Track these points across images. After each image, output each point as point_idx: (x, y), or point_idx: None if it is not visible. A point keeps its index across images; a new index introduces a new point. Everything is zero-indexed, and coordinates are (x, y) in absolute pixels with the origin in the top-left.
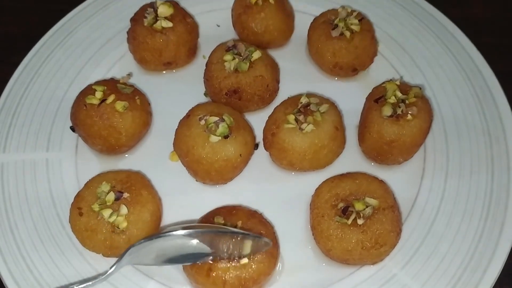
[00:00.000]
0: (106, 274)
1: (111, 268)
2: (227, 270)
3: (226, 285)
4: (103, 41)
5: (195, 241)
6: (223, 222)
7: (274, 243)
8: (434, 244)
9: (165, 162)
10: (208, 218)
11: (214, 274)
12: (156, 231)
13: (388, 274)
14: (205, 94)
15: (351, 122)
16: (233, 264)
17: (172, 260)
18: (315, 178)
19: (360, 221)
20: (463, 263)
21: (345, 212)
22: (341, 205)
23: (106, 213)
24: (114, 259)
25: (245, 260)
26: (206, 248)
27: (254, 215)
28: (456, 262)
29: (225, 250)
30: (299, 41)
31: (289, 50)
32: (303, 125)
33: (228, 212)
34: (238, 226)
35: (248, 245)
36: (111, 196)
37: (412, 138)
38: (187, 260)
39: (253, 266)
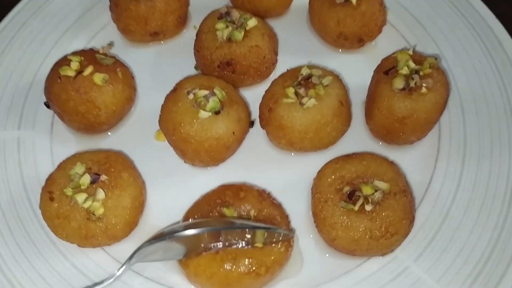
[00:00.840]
0: (115, 277)
1: (119, 270)
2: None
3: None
4: (83, 9)
5: (204, 235)
6: (235, 213)
7: (287, 225)
8: (450, 234)
9: (150, 141)
10: (213, 199)
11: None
12: (138, 218)
13: (399, 267)
14: (196, 68)
15: (358, 98)
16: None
17: (178, 254)
18: (317, 160)
19: (368, 207)
20: (483, 255)
21: (351, 197)
22: (346, 189)
23: (80, 197)
24: (92, 250)
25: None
26: (215, 240)
27: (263, 196)
28: (476, 254)
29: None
30: (300, 10)
31: (289, 19)
32: (304, 100)
33: (235, 195)
34: (251, 216)
35: (260, 236)
36: (86, 179)
37: (426, 114)
38: (194, 252)
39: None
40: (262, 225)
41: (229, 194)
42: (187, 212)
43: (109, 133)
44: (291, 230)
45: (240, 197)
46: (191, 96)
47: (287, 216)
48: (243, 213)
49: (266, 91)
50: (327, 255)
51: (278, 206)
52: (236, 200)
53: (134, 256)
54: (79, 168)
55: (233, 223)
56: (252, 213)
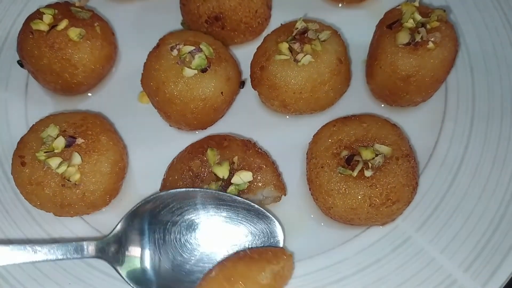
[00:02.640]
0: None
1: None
2: None
3: None
4: None
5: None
6: (218, 156)
7: (275, 174)
8: (456, 201)
9: (133, 104)
10: (196, 147)
11: None
12: (118, 185)
13: (400, 237)
14: (182, 24)
15: (358, 56)
16: None
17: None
18: (313, 123)
19: (368, 173)
20: (492, 225)
21: (349, 162)
22: (344, 153)
23: (54, 162)
24: (70, 219)
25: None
26: None
27: (248, 146)
28: (484, 223)
29: None
30: None
31: None
32: (299, 56)
33: (219, 143)
34: (234, 162)
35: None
36: (60, 142)
37: (433, 72)
38: None
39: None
40: (251, 204)
41: (212, 143)
42: (171, 163)
43: (89, 94)
44: (281, 183)
45: (224, 145)
46: (175, 52)
47: (273, 163)
48: (227, 159)
49: (258, 48)
50: (322, 224)
51: (264, 155)
52: (220, 148)
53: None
54: (52, 130)
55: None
56: (236, 160)
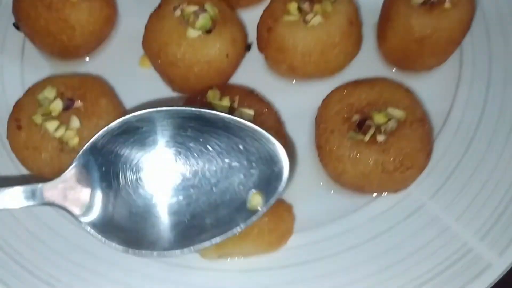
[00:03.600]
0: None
1: None
2: None
3: None
4: None
5: None
6: (218, 92)
7: (277, 122)
8: (472, 167)
9: (134, 68)
10: (196, 95)
11: None
12: None
13: (413, 205)
14: None
15: (369, 18)
16: None
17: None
18: (322, 88)
19: (380, 138)
20: (509, 191)
21: (361, 126)
22: (356, 118)
23: (51, 126)
24: None
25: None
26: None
27: (251, 93)
28: (501, 190)
29: None
30: None
31: None
32: (308, 17)
33: (221, 90)
34: (235, 101)
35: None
36: (57, 105)
37: (449, 34)
38: None
39: None
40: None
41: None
42: None
43: (87, 58)
44: (283, 132)
45: (225, 91)
46: (178, 12)
47: (276, 112)
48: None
49: (265, 9)
50: (332, 191)
51: (266, 103)
52: (221, 91)
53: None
54: (49, 92)
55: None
56: (237, 99)
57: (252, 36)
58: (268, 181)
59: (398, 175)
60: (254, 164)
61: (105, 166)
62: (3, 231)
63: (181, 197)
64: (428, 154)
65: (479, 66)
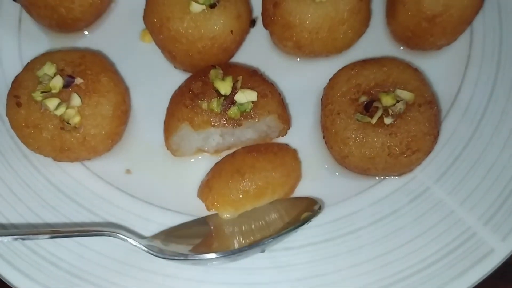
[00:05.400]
0: None
1: None
2: None
3: None
4: None
5: None
6: (221, 72)
7: (281, 104)
8: (479, 151)
9: (135, 43)
10: (199, 73)
11: None
12: (121, 129)
13: (418, 188)
14: None
15: None
16: None
17: None
18: (328, 66)
19: (387, 120)
20: None
21: (368, 108)
22: (363, 99)
23: (52, 103)
24: (70, 165)
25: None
26: None
27: (255, 73)
28: (506, 175)
29: None
30: None
31: None
32: None
33: (224, 69)
34: (238, 81)
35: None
36: (57, 81)
37: (461, 12)
38: None
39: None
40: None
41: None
42: (173, 93)
43: (85, 32)
44: (286, 115)
45: (228, 70)
46: None
47: (279, 94)
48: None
49: None
50: (337, 173)
51: (270, 84)
52: (224, 71)
53: None
54: (48, 69)
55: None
56: (240, 79)
57: (257, 12)
58: None
59: (404, 159)
60: None
61: None
62: None
63: None
64: (435, 137)
65: (489, 46)
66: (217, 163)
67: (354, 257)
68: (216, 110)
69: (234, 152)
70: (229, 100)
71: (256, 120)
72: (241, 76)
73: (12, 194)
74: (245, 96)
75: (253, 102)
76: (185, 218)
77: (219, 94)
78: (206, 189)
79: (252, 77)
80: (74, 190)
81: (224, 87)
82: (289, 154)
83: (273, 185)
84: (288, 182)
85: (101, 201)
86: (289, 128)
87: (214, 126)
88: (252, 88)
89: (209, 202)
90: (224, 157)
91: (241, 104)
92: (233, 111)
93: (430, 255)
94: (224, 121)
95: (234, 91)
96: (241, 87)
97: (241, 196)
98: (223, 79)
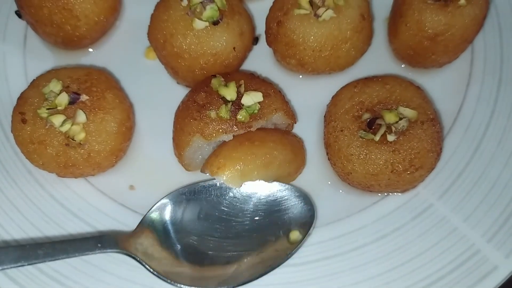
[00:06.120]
0: None
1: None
2: None
3: None
4: None
5: None
6: (223, 80)
7: (284, 101)
8: (481, 168)
9: (139, 60)
10: (200, 84)
11: None
12: (125, 145)
13: (421, 205)
14: None
15: (379, 13)
16: None
17: None
18: (331, 83)
19: (391, 137)
20: None
21: (371, 125)
22: (366, 116)
23: (57, 120)
24: (73, 180)
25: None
26: None
27: (254, 76)
28: (509, 192)
29: None
30: None
31: None
32: (320, 11)
33: (224, 76)
34: (241, 85)
35: None
36: (63, 98)
37: (463, 31)
38: None
39: None
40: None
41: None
42: (178, 107)
43: (90, 49)
44: (290, 110)
45: (228, 77)
46: (185, 2)
47: (280, 91)
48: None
49: (275, 1)
50: (340, 191)
51: (270, 84)
52: (224, 78)
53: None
54: (54, 86)
55: None
56: (242, 83)
57: (260, 29)
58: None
59: (407, 176)
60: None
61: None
62: None
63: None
64: (438, 154)
65: (490, 64)
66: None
67: (357, 274)
68: (225, 116)
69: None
70: (236, 105)
71: (265, 120)
72: (243, 80)
73: (15, 210)
74: (252, 98)
75: (259, 103)
76: None
77: (225, 101)
78: (213, 156)
79: (252, 79)
80: (78, 206)
81: (230, 93)
82: (296, 140)
83: (280, 160)
84: (294, 161)
85: (104, 217)
86: (295, 123)
87: (225, 133)
88: (255, 90)
89: (215, 166)
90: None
91: (249, 107)
92: (242, 114)
93: (434, 272)
94: (234, 126)
95: (239, 95)
96: (245, 91)
97: (249, 161)
98: (226, 85)
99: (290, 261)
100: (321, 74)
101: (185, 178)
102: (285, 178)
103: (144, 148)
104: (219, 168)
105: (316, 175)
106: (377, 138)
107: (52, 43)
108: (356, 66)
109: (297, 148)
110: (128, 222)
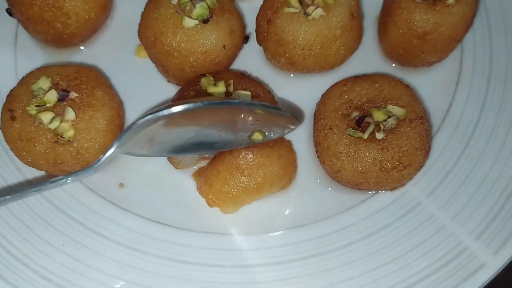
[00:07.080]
0: (104, 157)
1: (107, 151)
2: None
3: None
4: None
5: (198, 129)
6: (212, 79)
7: (274, 101)
8: (470, 166)
9: (130, 58)
10: (190, 83)
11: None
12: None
13: (410, 203)
14: None
15: (369, 12)
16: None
17: (168, 150)
18: (321, 82)
19: (379, 135)
20: (505, 191)
21: (360, 123)
22: (355, 114)
23: (46, 117)
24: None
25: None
26: (210, 134)
27: (244, 76)
28: (497, 190)
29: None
30: None
31: None
32: (309, 9)
33: (213, 75)
34: (230, 85)
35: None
36: (52, 96)
37: (451, 30)
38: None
39: None
40: (261, 103)
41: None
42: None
43: (81, 47)
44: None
45: (217, 76)
46: (175, 0)
47: (269, 91)
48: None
49: (265, 0)
50: (330, 189)
51: (259, 84)
52: (214, 77)
53: (124, 135)
54: (43, 83)
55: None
56: (232, 82)
57: (251, 28)
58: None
59: (396, 174)
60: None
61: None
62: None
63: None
64: (426, 152)
65: (479, 63)
66: (214, 157)
67: (346, 271)
68: None
69: None
70: None
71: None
72: (232, 80)
73: (4, 207)
74: (240, 97)
75: None
76: (179, 230)
77: None
78: (206, 186)
79: (242, 79)
80: (67, 203)
81: (218, 92)
82: (284, 145)
83: (271, 179)
84: (286, 174)
85: (94, 215)
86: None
87: None
88: (244, 89)
89: (210, 200)
90: (222, 152)
91: None
92: None
93: (422, 270)
94: None
95: (227, 94)
96: (234, 90)
97: (241, 192)
98: (215, 85)
99: (278, 259)
100: (311, 72)
101: (174, 176)
102: (280, 190)
103: None
104: (214, 201)
105: (305, 174)
106: (365, 136)
107: (42, 41)
108: (346, 65)
109: (286, 158)
110: (118, 220)
